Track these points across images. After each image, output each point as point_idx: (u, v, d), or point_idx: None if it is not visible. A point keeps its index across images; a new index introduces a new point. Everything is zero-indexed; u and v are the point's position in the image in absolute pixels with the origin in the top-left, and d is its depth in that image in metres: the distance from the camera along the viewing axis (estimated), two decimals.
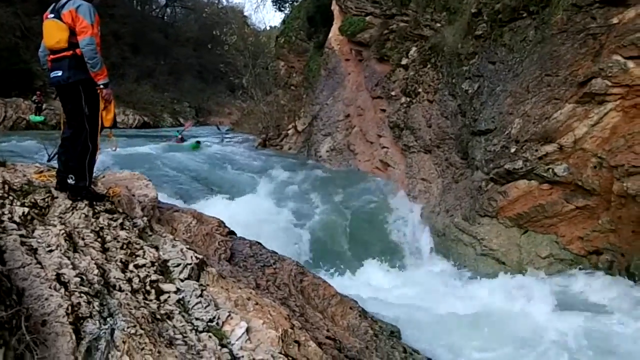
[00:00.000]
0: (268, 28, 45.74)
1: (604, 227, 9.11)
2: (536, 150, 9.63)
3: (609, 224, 9.03)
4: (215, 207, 10.74)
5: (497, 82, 10.86)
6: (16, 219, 3.78)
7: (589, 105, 9.05)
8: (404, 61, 14.71)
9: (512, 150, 9.99)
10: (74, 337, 2.65)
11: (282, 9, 31.83)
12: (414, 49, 14.51)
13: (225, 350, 3.28)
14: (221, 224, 6.14)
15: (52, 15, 4.74)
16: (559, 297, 8.28)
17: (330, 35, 19.44)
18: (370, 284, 9.33)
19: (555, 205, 9.59)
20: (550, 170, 9.48)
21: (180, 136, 24.87)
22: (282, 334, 3.59)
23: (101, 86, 4.70)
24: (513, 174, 9.97)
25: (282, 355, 3.39)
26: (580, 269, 9.34)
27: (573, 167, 9.27)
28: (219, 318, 3.58)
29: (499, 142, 10.34)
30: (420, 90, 13.72)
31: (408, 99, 14.10)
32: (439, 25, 13.77)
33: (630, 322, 7.32)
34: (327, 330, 4.86)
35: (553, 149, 9.44)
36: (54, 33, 4.70)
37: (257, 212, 11.76)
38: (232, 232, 6.27)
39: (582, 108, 9.11)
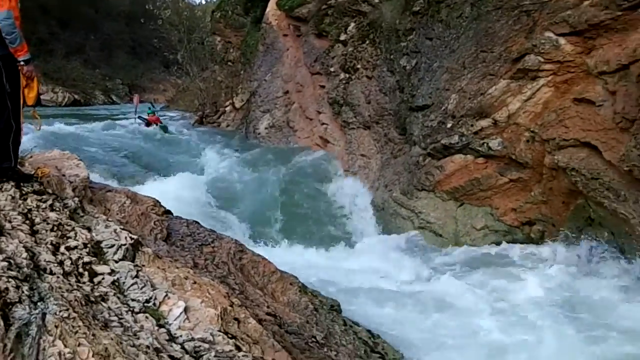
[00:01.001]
0: (204, 2, 44.93)
1: (536, 199, 9.36)
2: (472, 125, 9.79)
3: (540, 195, 9.27)
4: (150, 186, 10.59)
5: (434, 58, 10.97)
6: None
7: (522, 81, 9.23)
8: (343, 37, 14.68)
9: (449, 125, 10.13)
10: (1, 323, 2.55)
11: None
12: (352, 24, 14.49)
13: (162, 330, 3.23)
14: (157, 203, 6.03)
15: None
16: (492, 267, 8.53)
17: (268, 9, 19.24)
18: (310, 259, 9.36)
19: (489, 179, 9.80)
20: (485, 144, 9.67)
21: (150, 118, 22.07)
22: (221, 312, 3.55)
23: (22, 63, 4.46)
24: (449, 149, 10.12)
25: (221, 333, 3.36)
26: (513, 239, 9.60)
27: (507, 141, 9.47)
28: (155, 298, 3.52)
29: (436, 117, 10.47)
30: (359, 66, 13.74)
31: (347, 75, 14.11)
32: (377, 1, 13.78)
33: None
34: (268, 307, 4.85)
35: (488, 123, 9.62)
36: None
37: (195, 191, 11.64)
38: (168, 212, 6.16)
39: (516, 84, 9.29)
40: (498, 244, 9.69)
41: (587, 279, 7.72)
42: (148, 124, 21.62)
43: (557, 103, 8.84)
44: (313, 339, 4.78)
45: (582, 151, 8.26)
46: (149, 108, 23.89)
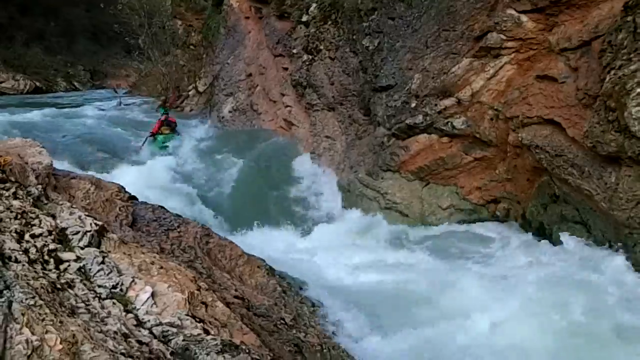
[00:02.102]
0: None
1: (501, 177, 9.46)
2: (435, 105, 9.82)
3: (505, 173, 9.37)
4: (115, 173, 10.46)
5: (397, 38, 10.95)
6: None
7: (485, 59, 9.28)
8: (305, 18, 14.58)
9: (413, 105, 10.15)
10: None
11: None
12: (314, 5, 14.39)
13: (130, 315, 3.20)
14: (121, 189, 5.95)
15: None
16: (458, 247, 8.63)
17: None
18: (277, 242, 9.35)
19: (454, 158, 9.86)
20: (450, 123, 9.71)
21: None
22: (188, 297, 3.53)
23: None
24: (414, 129, 10.15)
25: (189, 317, 3.34)
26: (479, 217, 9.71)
27: (471, 120, 9.53)
28: (122, 284, 3.48)
29: (400, 97, 10.48)
30: (321, 47, 13.67)
31: (310, 57, 14.03)
32: None
33: None
34: (235, 290, 4.84)
35: (452, 102, 9.66)
36: None
37: (160, 176, 11.53)
38: (133, 197, 6.09)
39: (479, 62, 9.33)
40: (464, 222, 9.81)
41: None
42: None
43: (520, 80, 8.91)
44: (282, 321, 4.78)
45: (546, 128, 8.34)
46: (163, 108, 18.25)
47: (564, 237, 7.82)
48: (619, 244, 7.06)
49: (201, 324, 3.33)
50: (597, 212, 7.51)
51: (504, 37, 8.88)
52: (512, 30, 8.77)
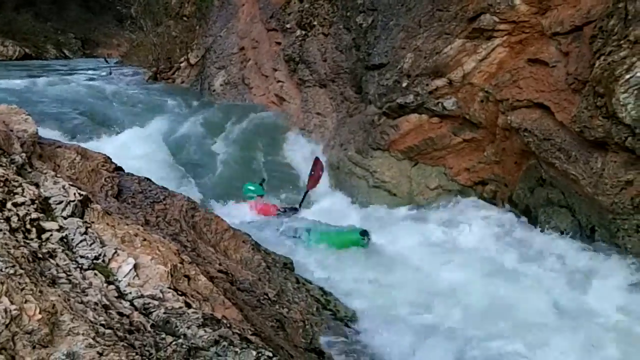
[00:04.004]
0: None
1: (489, 159, 9.47)
2: (427, 85, 9.80)
3: (493, 155, 9.38)
4: (102, 143, 10.41)
5: (391, 16, 10.91)
6: None
7: (477, 41, 9.24)
8: None
9: (404, 84, 10.13)
10: None
11: None
12: None
13: (112, 287, 3.19)
14: (107, 159, 5.90)
15: None
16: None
17: None
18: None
19: (444, 138, 9.87)
20: (440, 104, 9.70)
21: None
22: (171, 269, 3.53)
23: None
24: (405, 108, 10.14)
25: (171, 290, 3.34)
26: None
27: (461, 101, 9.52)
28: (105, 255, 3.47)
29: (392, 76, 10.46)
30: (315, 23, 13.60)
31: (303, 32, 13.96)
32: None
33: None
34: (220, 264, 4.84)
35: (443, 83, 9.63)
36: None
37: (147, 149, 11.47)
38: (119, 168, 6.05)
39: (471, 43, 9.30)
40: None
41: None
42: None
43: (512, 63, 8.88)
44: (265, 296, 4.80)
45: (535, 112, 8.34)
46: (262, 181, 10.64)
47: None
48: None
49: (183, 297, 3.34)
50: (582, 196, 7.55)
51: (497, 19, 8.84)
52: (505, 13, 8.73)
